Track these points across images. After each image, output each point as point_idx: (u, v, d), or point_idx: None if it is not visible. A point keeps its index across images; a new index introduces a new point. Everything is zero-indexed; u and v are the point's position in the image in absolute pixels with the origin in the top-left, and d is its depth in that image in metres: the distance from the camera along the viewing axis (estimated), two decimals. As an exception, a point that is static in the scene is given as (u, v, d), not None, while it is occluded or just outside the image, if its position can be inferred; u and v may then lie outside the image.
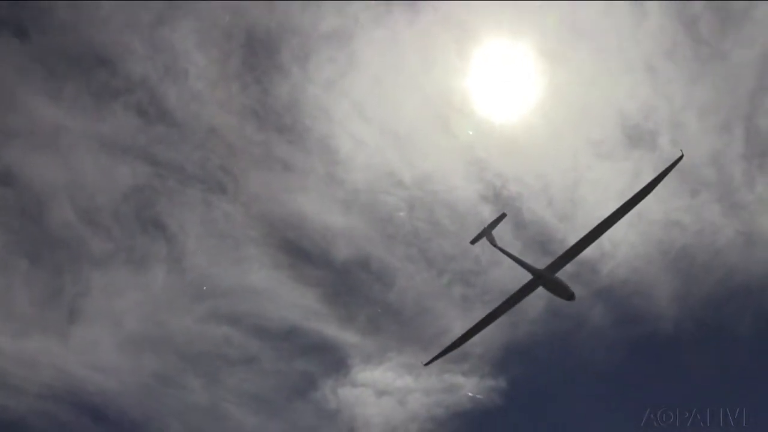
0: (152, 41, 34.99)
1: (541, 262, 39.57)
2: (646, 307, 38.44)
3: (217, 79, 35.75)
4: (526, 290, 26.84)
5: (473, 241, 28.14)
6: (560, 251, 38.96)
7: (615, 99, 32.80)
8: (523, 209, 38.23)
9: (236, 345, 40.26)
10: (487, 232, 27.55)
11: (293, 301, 40.36)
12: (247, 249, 39.86)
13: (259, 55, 35.84)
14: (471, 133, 35.49)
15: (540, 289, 26.90)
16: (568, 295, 26.56)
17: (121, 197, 38.32)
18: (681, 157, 23.63)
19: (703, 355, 38.26)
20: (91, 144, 37.27)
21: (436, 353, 27.75)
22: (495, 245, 26.97)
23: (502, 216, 27.35)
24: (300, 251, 39.77)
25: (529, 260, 41.97)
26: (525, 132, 34.10)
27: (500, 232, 42.09)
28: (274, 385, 39.98)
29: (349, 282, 40.52)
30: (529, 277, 26.58)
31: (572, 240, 38.35)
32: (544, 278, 26.31)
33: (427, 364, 28.34)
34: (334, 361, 40.55)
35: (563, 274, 27.36)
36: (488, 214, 38.55)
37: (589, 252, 37.81)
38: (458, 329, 40.43)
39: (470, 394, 32.14)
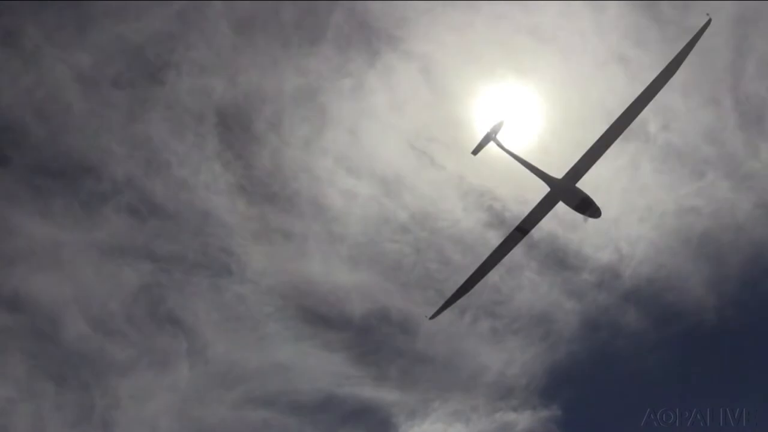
0: (128, 139, 35.35)
1: (562, 277, 38.48)
2: (683, 300, 36.89)
3: (199, 163, 35.91)
4: (544, 206, 24.33)
5: (476, 151, 25.33)
6: (579, 263, 37.93)
7: (595, 96, 31.88)
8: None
9: (276, 426, 39.27)
10: (491, 137, 24.65)
11: (323, 370, 39.40)
12: (266, 326, 39.20)
13: (233, 130, 35.96)
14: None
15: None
16: (593, 210, 24.10)
17: (131, 300, 38.03)
18: (709, 21, 20.97)
19: (754, 337, 36.61)
20: (91, 253, 37.28)
21: (441, 303, 25.95)
22: (503, 148, 24.18)
23: (502, 122, 24.72)
24: (318, 317, 39.00)
25: (548, 280, 40.52)
26: (512, 149, 33.34)
27: (515, 255, 40.76)
28: (322, 461, 38.76)
29: (373, 339, 39.50)
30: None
31: (589, 249, 37.49)
32: (563, 190, 23.58)
33: (432, 317, 26.28)
34: (378, 423, 39.25)
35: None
36: (497, 239, 37.52)
37: (606, 257, 36.72)
38: (495, 363, 39.25)
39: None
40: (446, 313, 34.97)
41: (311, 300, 38.47)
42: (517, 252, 37.77)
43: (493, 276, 38.85)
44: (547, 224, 36.12)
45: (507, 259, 39.06)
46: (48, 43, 33.77)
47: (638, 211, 35.43)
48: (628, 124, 23.48)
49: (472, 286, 26.38)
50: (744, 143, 33.92)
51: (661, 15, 31.77)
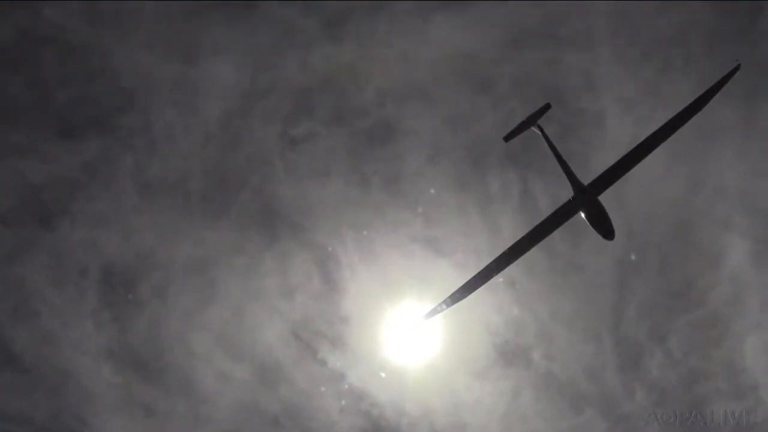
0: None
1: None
2: None
3: (71, 319, 33.77)
4: (562, 214, 22.18)
5: (508, 138, 22.20)
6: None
7: (482, 315, 32.29)
8: (406, 440, 35.75)
9: None
10: (532, 122, 21.65)
11: None
12: None
13: (116, 290, 34.36)
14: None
15: None
16: (608, 230, 22.18)
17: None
18: (738, 67, 20.37)
19: None
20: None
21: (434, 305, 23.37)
22: (546, 136, 21.40)
23: (546, 107, 21.80)
24: None
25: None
26: (396, 356, 32.94)
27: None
28: None
29: None
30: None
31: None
32: (588, 199, 21.38)
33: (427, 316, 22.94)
34: None
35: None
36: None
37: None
38: None
39: None
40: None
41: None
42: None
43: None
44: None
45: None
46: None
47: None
48: (657, 146, 21.81)
49: (473, 290, 23.40)
50: (622, 384, 34.38)
51: (553, 250, 33.15)
